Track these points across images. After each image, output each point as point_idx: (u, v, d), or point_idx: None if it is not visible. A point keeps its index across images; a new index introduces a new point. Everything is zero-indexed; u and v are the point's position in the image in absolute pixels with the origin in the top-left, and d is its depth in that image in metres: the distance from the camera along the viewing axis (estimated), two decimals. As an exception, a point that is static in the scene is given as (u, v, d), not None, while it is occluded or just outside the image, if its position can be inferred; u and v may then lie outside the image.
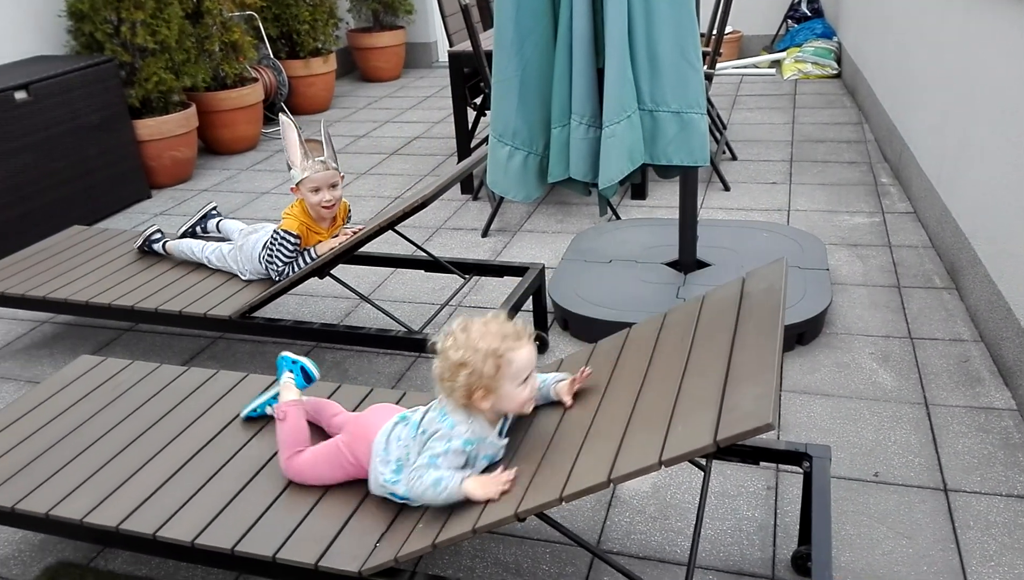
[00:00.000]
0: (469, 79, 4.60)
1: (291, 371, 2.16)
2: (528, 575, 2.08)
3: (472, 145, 4.69)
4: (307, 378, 2.19)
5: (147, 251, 3.31)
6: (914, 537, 2.11)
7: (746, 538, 2.14)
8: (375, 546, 1.75)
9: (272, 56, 6.35)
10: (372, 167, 5.32)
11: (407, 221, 4.11)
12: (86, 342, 3.38)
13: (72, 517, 1.91)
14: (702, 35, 4.81)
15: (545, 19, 2.62)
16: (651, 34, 2.57)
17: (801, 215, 4.08)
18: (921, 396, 2.65)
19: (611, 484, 1.52)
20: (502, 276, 3.19)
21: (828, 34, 6.91)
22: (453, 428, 1.73)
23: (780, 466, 2.38)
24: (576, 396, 1.92)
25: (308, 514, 1.87)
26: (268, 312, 3.22)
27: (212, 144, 5.73)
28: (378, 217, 2.98)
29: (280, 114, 2.96)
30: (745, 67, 7.06)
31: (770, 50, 7.43)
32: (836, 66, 6.63)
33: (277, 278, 2.90)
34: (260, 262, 2.94)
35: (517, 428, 1.94)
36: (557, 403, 1.94)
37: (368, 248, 3.35)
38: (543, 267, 3.02)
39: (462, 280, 3.09)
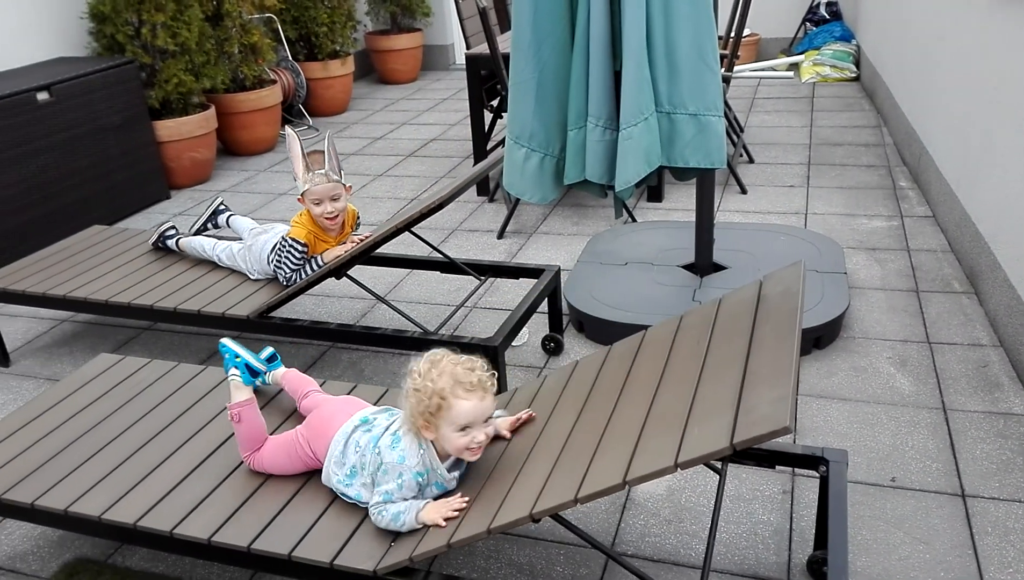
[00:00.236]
0: (486, 81, 4.61)
1: (236, 368, 2.15)
2: (542, 576, 2.08)
3: (488, 147, 4.70)
4: (252, 373, 2.19)
5: (161, 247, 3.34)
6: (931, 543, 2.10)
7: (761, 542, 2.14)
8: (390, 545, 1.76)
9: (290, 58, 6.39)
10: (389, 169, 5.34)
11: (423, 222, 4.12)
12: (105, 341, 3.41)
13: (90, 514, 1.93)
14: (720, 37, 4.80)
15: (562, 22, 2.62)
16: (670, 36, 2.56)
17: (819, 218, 4.06)
18: (939, 401, 2.64)
19: (626, 486, 1.52)
20: (518, 278, 3.19)
21: (847, 37, 6.87)
22: (403, 462, 1.76)
23: (796, 470, 2.37)
24: (591, 399, 1.92)
25: (323, 513, 1.88)
26: (285, 312, 3.23)
27: (231, 145, 5.77)
28: (395, 218, 2.99)
29: (286, 126, 2.97)
30: (763, 70, 7.04)
31: (788, 53, 7.39)
32: (855, 69, 6.59)
33: (285, 283, 2.92)
34: (268, 264, 2.96)
35: (530, 430, 1.94)
36: (572, 404, 1.94)
37: (384, 249, 3.36)
38: (559, 269, 3.02)
39: (478, 281, 3.10)
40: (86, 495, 1.99)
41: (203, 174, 5.27)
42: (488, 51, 4.19)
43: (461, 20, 4.91)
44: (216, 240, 3.22)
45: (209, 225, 3.43)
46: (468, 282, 3.60)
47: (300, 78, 6.38)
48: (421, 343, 2.75)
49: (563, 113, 2.72)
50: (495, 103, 4.70)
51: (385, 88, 7.68)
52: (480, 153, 4.69)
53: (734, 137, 4.83)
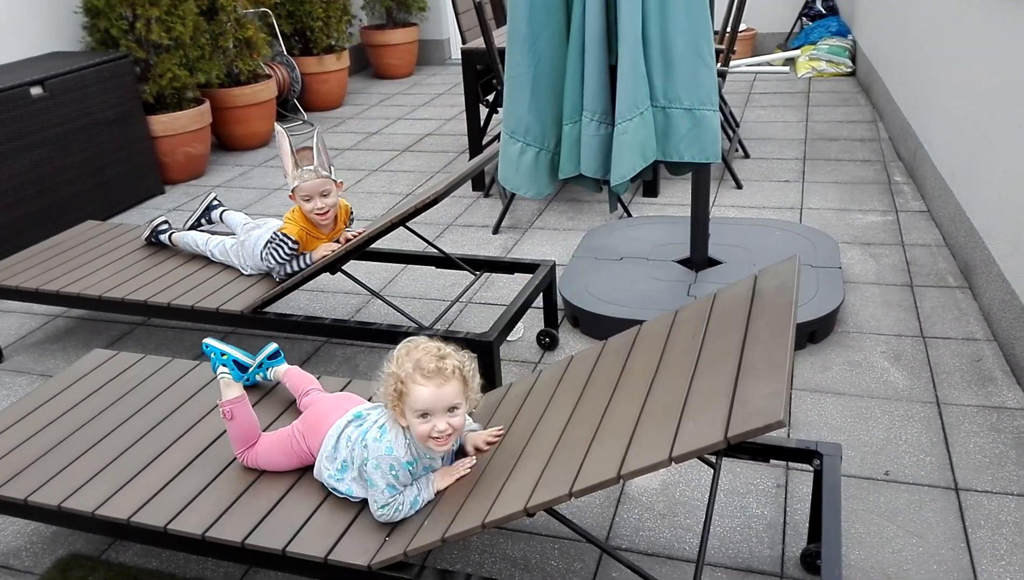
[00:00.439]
0: (482, 76, 4.60)
1: (224, 366, 2.14)
2: (537, 571, 2.08)
3: (484, 142, 4.69)
4: (242, 368, 2.19)
5: (154, 242, 3.34)
6: (924, 536, 2.10)
7: (755, 536, 2.14)
8: (384, 540, 1.76)
9: (286, 53, 6.37)
10: (384, 164, 5.33)
11: (418, 217, 4.11)
12: (99, 336, 3.40)
13: (84, 509, 1.93)
14: (716, 32, 4.80)
15: (558, 15, 2.62)
16: (665, 31, 2.56)
17: (814, 213, 4.06)
18: (933, 395, 2.64)
19: (621, 480, 1.52)
20: (513, 273, 3.19)
21: (843, 32, 6.87)
22: (391, 454, 1.77)
23: (790, 464, 2.37)
24: (586, 394, 1.92)
25: (317, 508, 1.88)
26: (280, 307, 3.23)
27: (225, 140, 5.76)
28: (389, 213, 2.98)
29: (275, 124, 2.96)
30: (759, 65, 7.03)
31: (784, 48, 7.39)
32: (851, 64, 6.59)
33: (278, 279, 2.92)
34: (262, 260, 2.96)
35: (525, 425, 1.94)
36: (567, 398, 1.94)
37: (379, 244, 3.36)
38: (554, 264, 3.02)
39: (473, 277, 3.10)
40: (79, 491, 1.99)
41: (197, 169, 5.26)
42: (484, 46, 4.19)
43: (457, 14, 4.89)
44: (209, 235, 3.21)
45: (203, 221, 3.42)
46: (463, 277, 3.59)
47: (295, 73, 6.36)
48: (416, 338, 2.74)
49: (559, 107, 2.72)
50: (491, 98, 4.69)
51: (380, 83, 7.66)
52: (476, 148, 4.68)
53: (730, 132, 4.83)
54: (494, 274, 3.62)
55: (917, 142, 4.31)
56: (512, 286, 3.53)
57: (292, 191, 2.84)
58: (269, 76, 5.85)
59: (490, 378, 2.54)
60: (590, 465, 1.61)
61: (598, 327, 3.06)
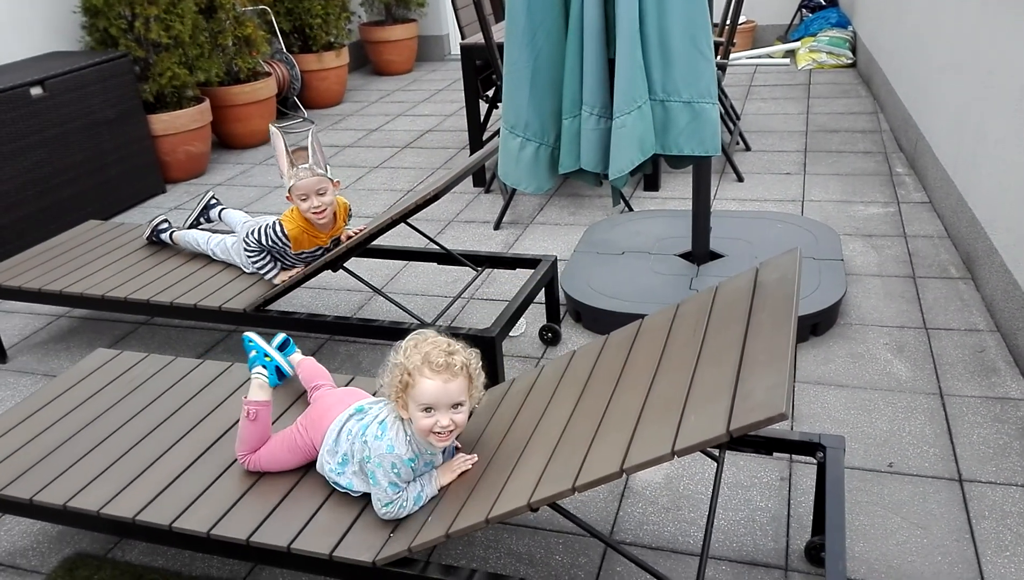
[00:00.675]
0: (481, 71, 4.59)
1: (265, 368, 2.09)
2: (541, 565, 2.09)
3: (484, 138, 4.69)
4: (280, 376, 2.15)
5: (155, 241, 3.34)
6: (928, 527, 2.10)
7: (759, 529, 2.14)
8: (389, 536, 1.76)
9: (285, 50, 6.36)
10: (385, 160, 5.33)
11: (420, 214, 4.11)
12: (102, 336, 3.41)
13: (89, 509, 1.93)
14: (716, 25, 4.79)
15: (557, 10, 2.61)
16: (663, 24, 2.55)
17: (815, 205, 4.06)
18: (936, 386, 2.64)
19: (624, 474, 1.52)
20: (514, 268, 3.19)
21: (843, 23, 6.86)
22: (393, 451, 1.77)
23: (794, 456, 2.37)
24: (588, 388, 1.92)
25: (322, 505, 1.88)
26: (282, 305, 3.23)
27: (226, 139, 5.76)
28: (391, 210, 2.98)
29: (270, 124, 2.97)
30: (759, 57, 7.02)
31: (784, 40, 7.38)
32: (851, 56, 6.57)
33: (247, 271, 3.02)
34: (244, 241, 2.98)
35: (528, 420, 1.94)
36: (569, 393, 1.94)
37: (381, 241, 3.36)
38: (555, 259, 3.02)
39: (475, 272, 3.10)
40: (85, 490, 1.99)
41: (198, 168, 5.26)
42: (483, 41, 4.18)
43: (456, 10, 4.88)
44: (210, 234, 3.21)
45: (201, 219, 3.42)
46: (465, 273, 3.59)
47: (295, 70, 6.36)
48: (418, 334, 2.75)
49: (558, 102, 2.71)
50: (490, 93, 4.69)
51: (380, 79, 7.65)
52: (476, 143, 4.68)
53: (730, 125, 4.82)
54: (496, 270, 3.62)
55: (918, 133, 4.31)
56: (514, 282, 3.53)
57: (288, 191, 2.84)
58: (269, 74, 5.85)
59: (493, 374, 2.54)
60: (593, 460, 1.61)
61: (600, 322, 3.06)
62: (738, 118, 5.06)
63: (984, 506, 2.16)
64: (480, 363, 1.82)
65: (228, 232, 3.26)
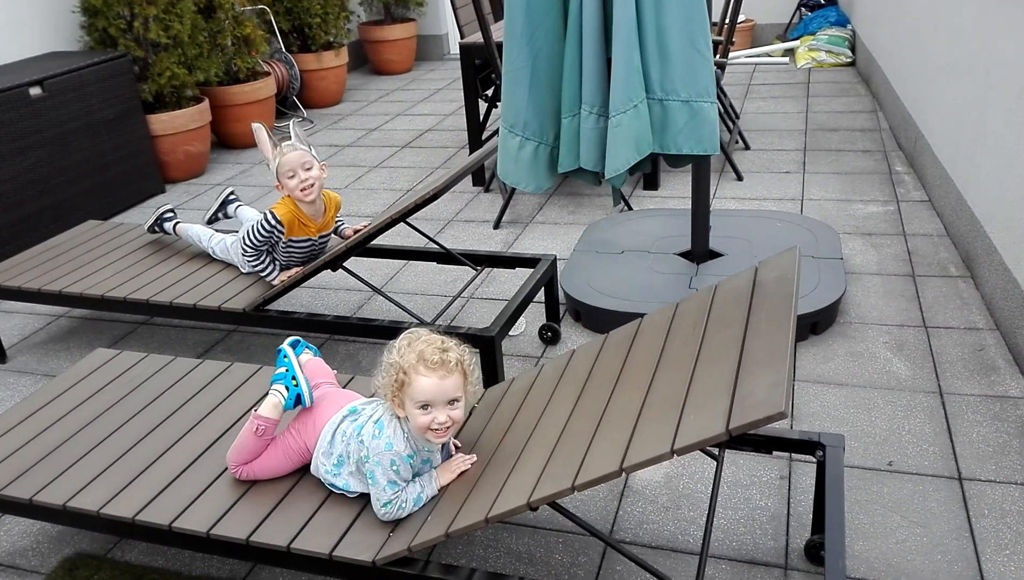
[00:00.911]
0: (480, 71, 4.59)
1: (287, 390, 1.96)
2: (541, 565, 2.09)
3: (484, 137, 4.69)
4: (297, 402, 1.98)
5: (157, 230, 3.34)
6: (928, 526, 2.10)
7: (759, 527, 2.14)
8: (388, 536, 1.76)
9: (284, 50, 6.36)
10: (384, 160, 5.32)
11: (419, 213, 4.11)
12: (101, 336, 3.41)
13: (89, 508, 1.93)
14: (715, 24, 4.79)
15: (555, 9, 2.61)
16: (661, 23, 2.56)
17: (815, 204, 4.06)
18: (935, 385, 2.64)
19: (623, 473, 1.52)
20: (514, 268, 3.19)
21: (842, 22, 6.85)
22: (391, 449, 1.77)
23: (793, 455, 2.37)
24: (588, 387, 1.92)
25: (322, 505, 1.88)
26: (282, 305, 3.23)
27: (225, 138, 5.75)
28: (390, 210, 2.98)
29: (252, 123, 2.96)
30: (758, 56, 7.02)
31: (783, 39, 7.38)
32: (850, 54, 6.57)
33: (243, 270, 3.00)
34: (243, 240, 2.97)
35: (528, 419, 1.94)
36: (568, 392, 1.94)
37: (380, 241, 3.36)
38: (555, 258, 3.02)
39: (474, 272, 3.10)
40: (84, 490, 1.99)
41: (198, 168, 5.26)
42: (482, 40, 4.18)
43: (454, 9, 4.88)
44: (213, 232, 3.21)
45: (220, 215, 3.39)
46: (464, 272, 3.59)
47: (294, 70, 6.35)
48: (418, 334, 2.74)
49: (557, 101, 2.71)
50: (490, 92, 4.69)
51: (379, 79, 7.65)
52: (475, 143, 4.68)
53: (730, 124, 4.82)
54: (495, 269, 3.62)
55: (917, 131, 4.31)
56: (513, 281, 3.53)
57: (277, 178, 2.83)
58: (268, 73, 5.85)
59: (492, 373, 2.55)
60: (592, 459, 1.61)
61: (599, 321, 3.06)
62: (737, 117, 5.06)
63: (984, 504, 2.16)
64: (475, 360, 1.83)
65: (234, 231, 3.25)
